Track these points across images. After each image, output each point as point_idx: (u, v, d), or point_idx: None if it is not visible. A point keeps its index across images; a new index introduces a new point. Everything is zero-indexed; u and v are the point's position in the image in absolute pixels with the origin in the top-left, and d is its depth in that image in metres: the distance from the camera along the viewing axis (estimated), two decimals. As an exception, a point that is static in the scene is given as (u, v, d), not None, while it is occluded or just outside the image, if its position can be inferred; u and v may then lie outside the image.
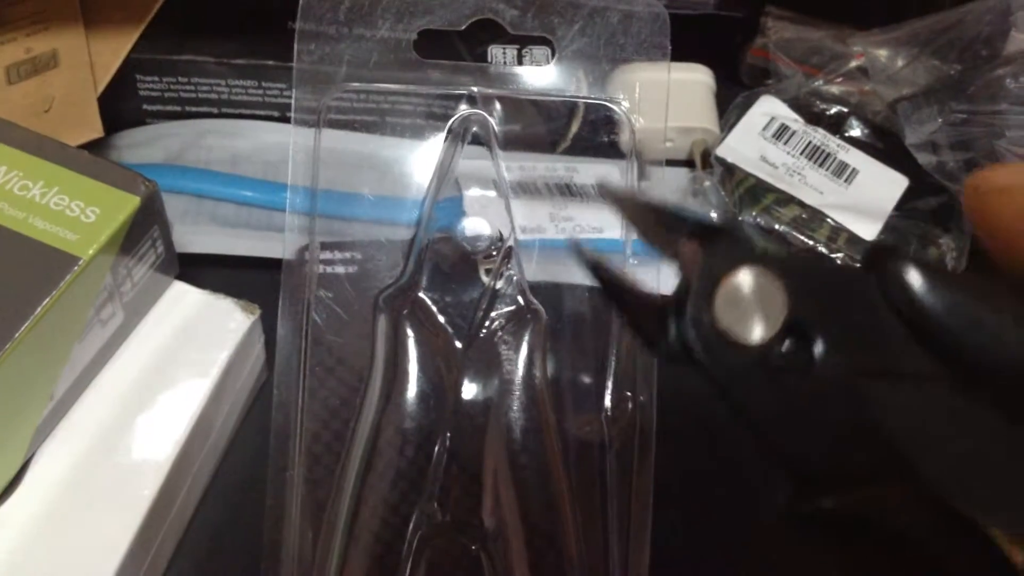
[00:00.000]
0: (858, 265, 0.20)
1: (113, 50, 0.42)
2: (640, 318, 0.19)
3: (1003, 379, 0.19)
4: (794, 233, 0.43)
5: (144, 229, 0.33)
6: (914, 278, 0.19)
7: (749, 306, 0.19)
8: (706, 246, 0.19)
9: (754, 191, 0.45)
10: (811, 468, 0.19)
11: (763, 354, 0.19)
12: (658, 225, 0.20)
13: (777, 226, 0.44)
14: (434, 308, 0.34)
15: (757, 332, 0.18)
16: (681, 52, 0.36)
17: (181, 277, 0.36)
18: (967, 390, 0.19)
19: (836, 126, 0.48)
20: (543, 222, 0.37)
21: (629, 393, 0.34)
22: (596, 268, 0.20)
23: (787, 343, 0.19)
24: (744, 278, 0.19)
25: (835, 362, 0.19)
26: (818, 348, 0.19)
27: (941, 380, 0.19)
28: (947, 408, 0.19)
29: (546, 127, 0.39)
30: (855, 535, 0.19)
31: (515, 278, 0.35)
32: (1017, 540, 0.18)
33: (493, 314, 0.34)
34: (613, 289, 0.20)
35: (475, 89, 0.35)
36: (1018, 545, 0.18)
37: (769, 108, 0.47)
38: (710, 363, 0.19)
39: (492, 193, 0.36)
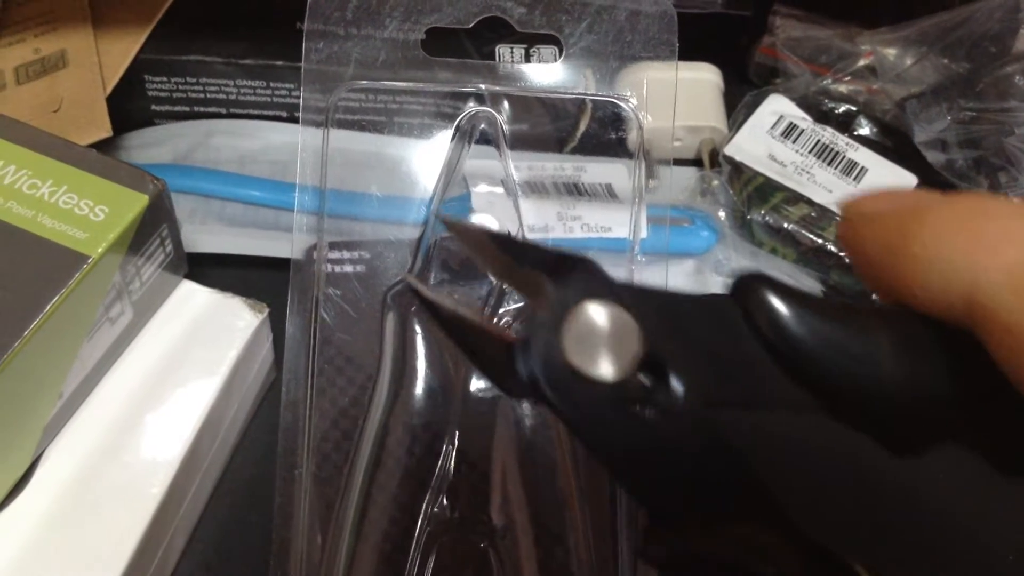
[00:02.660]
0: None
1: (122, 50, 0.42)
2: (486, 355, 0.18)
3: (872, 408, 0.18)
4: (803, 232, 0.43)
5: (153, 228, 0.33)
6: (779, 305, 0.18)
7: (601, 341, 0.17)
8: (556, 279, 0.18)
9: (762, 190, 0.44)
10: (669, 508, 0.18)
11: (617, 391, 0.17)
12: (506, 257, 0.19)
13: (786, 225, 0.44)
14: (442, 305, 0.34)
15: (609, 369, 0.17)
16: (689, 51, 0.36)
17: (189, 276, 0.36)
18: (837, 420, 0.18)
19: (845, 125, 0.48)
20: (551, 221, 0.37)
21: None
22: (433, 306, 0.18)
23: (645, 378, 0.18)
24: (595, 312, 0.18)
25: (694, 397, 0.18)
26: (676, 383, 0.18)
27: (810, 411, 0.18)
28: (816, 440, 0.18)
29: (554, 126, 0.39)
30: None
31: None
32: None
33: (501, 311, 0.34)
34: (454, 327, 0.18)
35: (483, 87, 0.35)
36: None
37: (777, 107, 0.47)
38: (559, 401, 0.17)
39: (500, 191, 0.36)
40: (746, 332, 0.18)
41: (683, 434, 0.18)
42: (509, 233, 0.19)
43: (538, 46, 0.36)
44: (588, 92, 0.36)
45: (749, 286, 0.18)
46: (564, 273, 0.18)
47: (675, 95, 0.36)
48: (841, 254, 0.43)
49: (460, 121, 0.36)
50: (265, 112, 0.45)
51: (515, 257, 0.19)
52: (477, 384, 0.34)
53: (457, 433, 0.33)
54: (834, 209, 0.44)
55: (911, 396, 0.17)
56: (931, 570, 0.18)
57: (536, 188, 0.38)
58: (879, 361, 0.17)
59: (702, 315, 0.18)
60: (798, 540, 0.18)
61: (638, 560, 0.18)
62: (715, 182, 0.46)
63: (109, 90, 0.42)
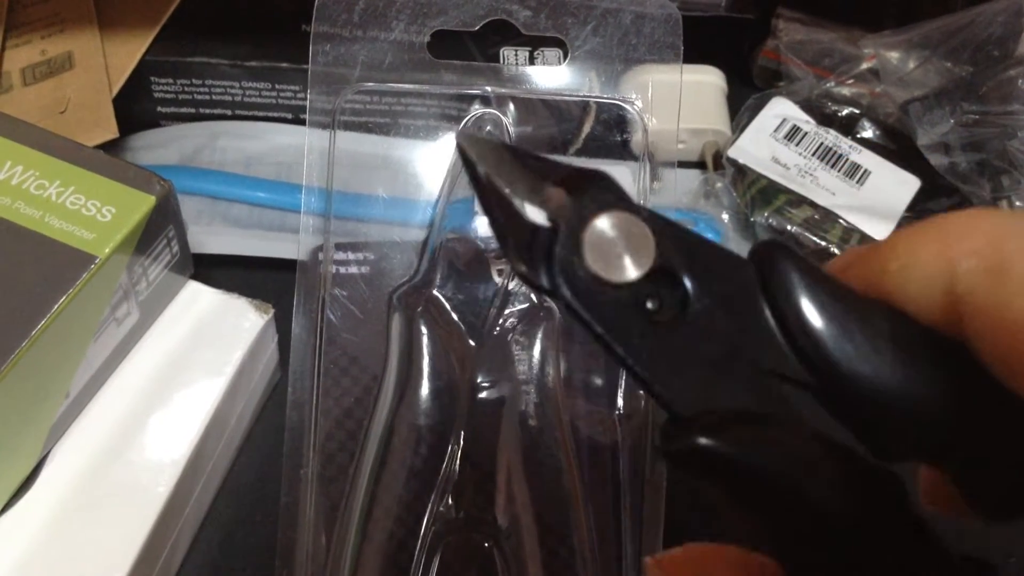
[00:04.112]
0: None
1: (128, 52, 0.42)
2: (511, 235, 0.19)
3: (860, 401, 0.18)
4: (806, 234, 0.43)
5: (159, 229, 0.33)
6: (796, 278, 0.19)
7: (618, 248, 0.19)
8: (573, 191, 0.19)
9: (766, 192, 0.45)
10: (686, 407, 0.19)
11: (633, 295, 0.19)
12: (524, 171, 0.19)
13: (789, 227, 0.44)
14: (448, 306, 0.34)
15: (626, 272, 0.18)
16: (693, 54, 0.36)
17: (195, 277, 0.37)
18: (825, 404, 0.19)
19: (848, 127, 0.48)
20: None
21: (642, 392, 0.34)
22: (472, 166, 0.19)
23: (659, 288, 0.19)
24: (612, 221, 0.19)
25: (706, 302, 0.19)
26: (689, 288, 0.19)
27: (802, 387, 0.19)
28: (802, 416, 0.19)
29: (558, 128, 0.39)
30: (735, 478, 0.18)
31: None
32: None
33: (506, 312, 0.35)
34: (487, 195, 0.19)
35: (488, 89, 0.36)
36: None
37: (781, 110, 0.48)
38: (581, 305, 0.18)
39: (505, 193, 0.36)
40: (756, 290, 0.19)
41: (695, 335, 0.19)
42: (523, 148, 0.20)
43: (543, 49, 0.36)
44: (593, 94, 0.36)
45: (770, 253, 0.19)
46: (582, 185, 0.19)
47: (679, 98, 0.36)
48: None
49: (465, 123, 0.36)
50: (270, 114, 0.46)
51: (534, 171, 0.19)
52: (482, 385, 0.34)
53: (462, 433, 0.33)
54: (837, 212, 0.44)
55: (900, 398, 0.18)
56: None
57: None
58: (879, 355, 0.18)
59: (711, 247, 0.19)
60: (816, 437, 0.18)
61: (657, 456, 0.19)
62: (719, 184, 0.46)
63: (115, 91, 0.42)
